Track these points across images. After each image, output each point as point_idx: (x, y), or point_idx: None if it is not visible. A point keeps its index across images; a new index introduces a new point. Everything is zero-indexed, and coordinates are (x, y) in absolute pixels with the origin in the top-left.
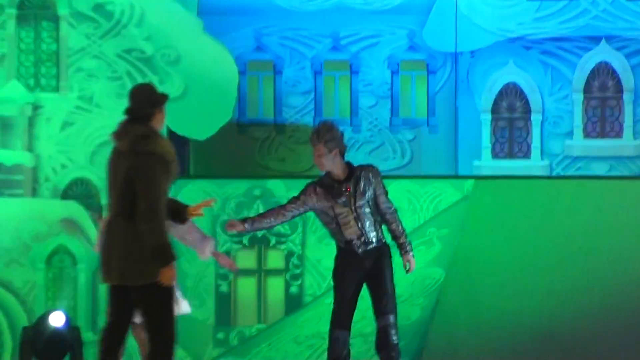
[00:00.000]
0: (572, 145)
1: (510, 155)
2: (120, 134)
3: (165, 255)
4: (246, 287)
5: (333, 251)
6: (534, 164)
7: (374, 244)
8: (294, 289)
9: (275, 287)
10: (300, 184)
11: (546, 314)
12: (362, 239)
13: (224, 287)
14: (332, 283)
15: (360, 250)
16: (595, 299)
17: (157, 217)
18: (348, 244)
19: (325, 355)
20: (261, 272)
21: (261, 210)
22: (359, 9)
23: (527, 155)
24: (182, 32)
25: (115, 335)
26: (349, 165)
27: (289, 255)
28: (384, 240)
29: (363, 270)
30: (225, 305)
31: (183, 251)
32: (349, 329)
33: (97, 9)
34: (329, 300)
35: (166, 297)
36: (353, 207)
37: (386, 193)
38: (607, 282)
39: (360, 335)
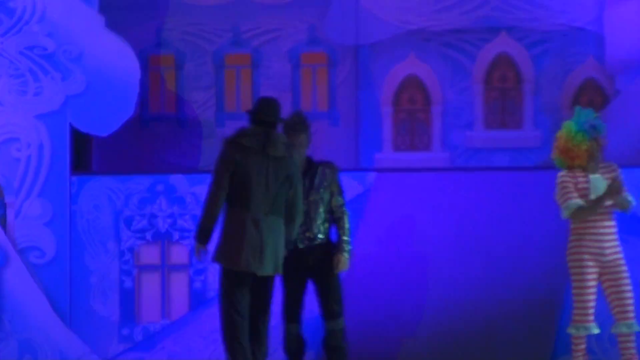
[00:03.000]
0: (472, 136)
1: (412, 147)
2: (272, 140)
3: None
4: (150, 283)
5: None
6: (435, 156)
7: (320, 241)
8: (197, 285)
9: (179, 283)
10: (203, 179)
11: (448, 308)
12: (307, 234)
13: (128, 283)
14: None
15: (302, 245)
16: (496, 290)
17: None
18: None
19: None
20: (165, 268)
21: (164, 206)
22: (258, 2)
23: (428, 147)
24: (84, 29)
25: (247, 322)
26: (308, 160)
27: (193, 250)
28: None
29: (305, 266)
30: (129, 302)
31: (86, 246)
32: (300, 322)
33: None
34: None
35: None
36: (304, 202)
37: (340, 191)
38: (508, 274)
39: None
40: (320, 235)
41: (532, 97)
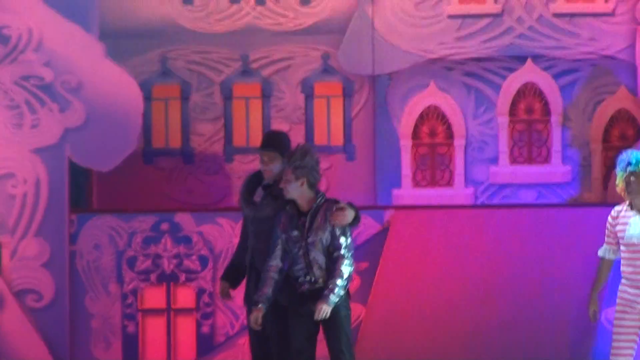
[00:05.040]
0: (497, 171)
1: (433, 183)
2: None
3: None
4: (155, 328)
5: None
6: (457, 193)
7: (322, 285)
8: (205, 329)
9: (186, 328)
10: (210, 217)
11: (473, 348)
12: (308, 278)
13: (131, 328)
14: (245, 322)
15: (303, 288)
16: (522, 331)
17: None
18: (295, 281)
19: None
20: (170, 311)
21: (169, 246)
22: (269, 29)
23: (450, 183)
24: (83, 57)
25: None
26: (317, 196)
27: (200, 292)
28: None
29: (308, 311)
30: (132, 348)
31: (86, 288)
32: None
33: None
34: (243, 340)
35: None
36: (304, 243)
37: (344, 232)
38: (536, 314)
39: None
40: (321, 280)
41: (560, 129)
